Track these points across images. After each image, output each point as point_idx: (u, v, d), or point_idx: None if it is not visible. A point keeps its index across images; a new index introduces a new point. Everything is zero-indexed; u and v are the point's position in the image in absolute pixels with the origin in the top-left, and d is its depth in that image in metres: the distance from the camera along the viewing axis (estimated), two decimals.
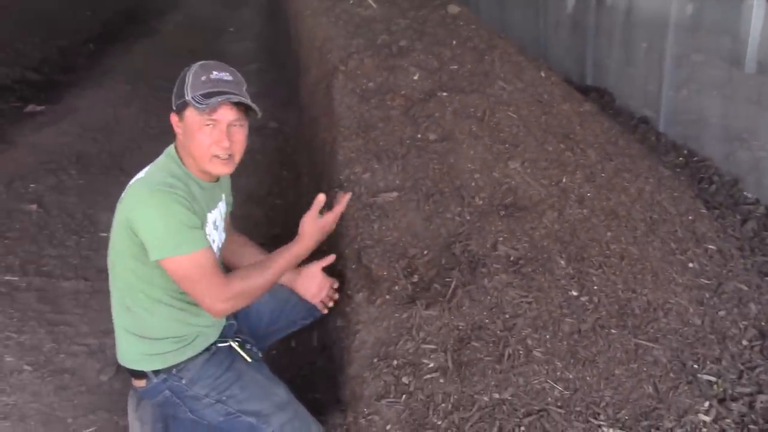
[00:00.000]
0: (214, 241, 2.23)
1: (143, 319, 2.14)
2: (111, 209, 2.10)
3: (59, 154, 5.27)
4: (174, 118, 2.14)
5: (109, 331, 3.05)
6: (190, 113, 2.06)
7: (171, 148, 2.19)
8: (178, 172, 2.12)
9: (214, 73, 2.08)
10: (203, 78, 2.06)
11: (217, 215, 2.27)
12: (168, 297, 2.14)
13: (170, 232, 1.98)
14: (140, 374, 2.23)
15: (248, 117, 2.16)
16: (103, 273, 3.61)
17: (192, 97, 2.02)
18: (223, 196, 2.36)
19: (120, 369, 2.87)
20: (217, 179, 2.27)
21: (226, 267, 2.51)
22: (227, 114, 2.07)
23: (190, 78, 2.07)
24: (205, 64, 2.13)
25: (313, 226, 2.20)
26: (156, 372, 2.19)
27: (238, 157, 2.15)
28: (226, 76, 2.10)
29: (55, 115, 6.26)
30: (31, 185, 4.72)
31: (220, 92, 2.04)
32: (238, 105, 2.09)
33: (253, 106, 2.11)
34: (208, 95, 2.02)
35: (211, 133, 2.06)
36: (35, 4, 8.69)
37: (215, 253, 2.13)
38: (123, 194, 2.09)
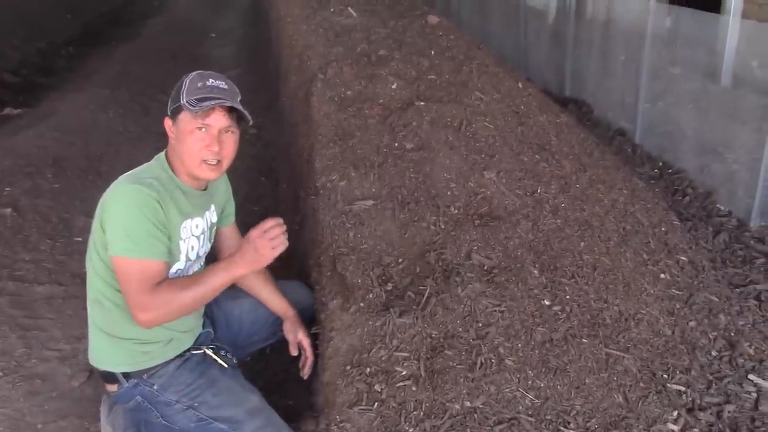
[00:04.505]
0: (193, 247, 2.26)
1: (113, 314, 2.15)
2: (87, 213, 2.11)
3: (36, 157, 5.21)
4: (168, 123, 2.18)
5: (82, 337, 3.04)
6: (183, 116, 2.11)
7: (162, 154, 2.24)
8: (162, 176, 2.17)
9: (211, 80, 2.14)
10: (199, 84, 2.12)
11: (201, 223, 2.29)
12: None
13: (130, 234, 2.01)
14: (112, 378, 2.23)
15: (240, 126, 2.20)
16: (77, 278, 3.62)
17: (186, 101, 2.07)
18: (213, 206, 2.37)
19: (92, 375, 2.86)
20: (205, 188, 2.29)
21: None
22: (219, 120, 2.12)
23: (186, 84, 2.13)
24: (203, 72, 2.20)
25: (250, 243, 2.02)
26: (127, 376, 2.19)
27: (226, 163, 2.20)
28: (222, 84, 2.16)
29: (32, 118, 6.20)
30: (7, 189, 4.66)
31: (214, 98, 2.09)
32: (231, 112, 2.14)
33: (245, 113, 2.15)
34: (202, 99, 2.07)
35: (203, 138, 2.11)
36: (14, 5, 8.60)
37: (167, 266, 2.12)
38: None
